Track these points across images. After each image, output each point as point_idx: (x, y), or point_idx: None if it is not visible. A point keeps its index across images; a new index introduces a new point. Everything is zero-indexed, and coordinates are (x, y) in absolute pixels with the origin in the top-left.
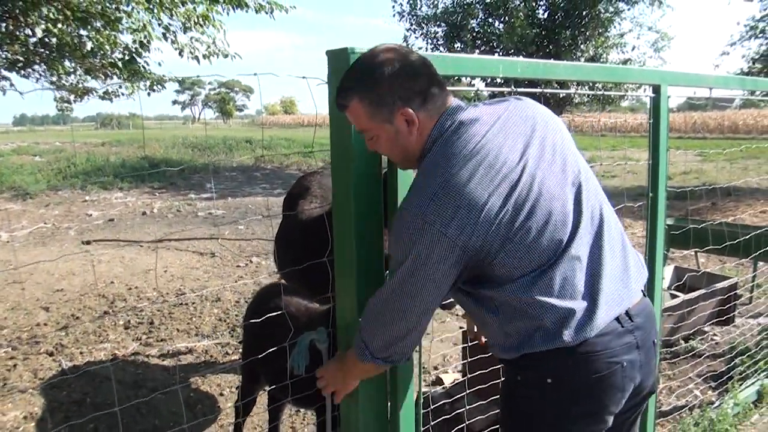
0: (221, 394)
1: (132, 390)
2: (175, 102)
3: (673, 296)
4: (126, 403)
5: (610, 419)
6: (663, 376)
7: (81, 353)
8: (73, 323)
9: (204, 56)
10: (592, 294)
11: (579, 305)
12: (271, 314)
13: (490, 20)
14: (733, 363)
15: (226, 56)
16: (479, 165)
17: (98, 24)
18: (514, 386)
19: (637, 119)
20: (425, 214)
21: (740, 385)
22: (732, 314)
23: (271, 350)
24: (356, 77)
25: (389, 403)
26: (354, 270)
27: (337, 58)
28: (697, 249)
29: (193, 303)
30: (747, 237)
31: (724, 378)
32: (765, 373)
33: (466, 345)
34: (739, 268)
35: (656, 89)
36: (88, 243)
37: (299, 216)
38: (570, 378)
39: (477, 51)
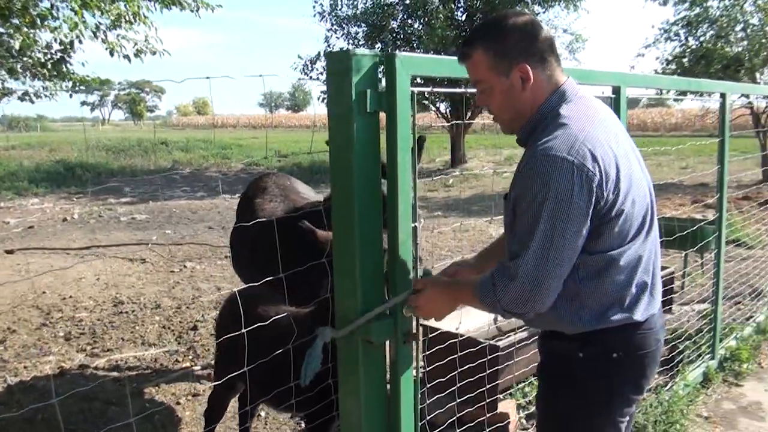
0: (178, 403)
1: (85, 403)
2: (84, 103)
3: None
4: (79, 417)
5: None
6: None
7: (25, 368)
8: (10, 337)
9: (135, 54)
10: (654, 273)
11: (650, 282)
12: (259, 321)
13: (410, 21)
14: (677, 349)
15: (154, 53)
16: (608, 130)
17: (17, 21)
18: (574, 364)
19: None
20: (569, 153)
21: (688, 368)
22: (670, 303)
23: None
24: (485, 29)
25: (389, 400)
26: (356, 269)
27: (337, 60)
28: None
29: (133, 311)
30: (687, 230)
31: (673, 362)
32: (709, 356)
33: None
34: (666, 258)
35: (616, 90)
36: (11, 252)
37: (262, 217)
38: (633, 353)
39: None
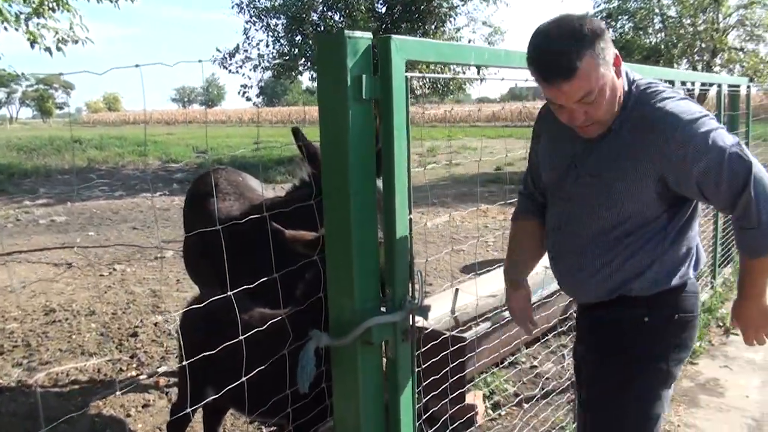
0: (128, 416)
1: (29, 422)
2: None
3: None
4: None
5: None
6: (567, 348)
7: None
8: None
9: (57, 46)
10: None
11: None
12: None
13: (330, 14)
14: None
15: (76, 42)
16: None
17: None
18: (637, 330)
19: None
20: (699, 111)
21: None
22: None
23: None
24: (574, 37)
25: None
26: (353, 267)
27: (330, 42)
28: None
29: (67, 319)
30: None
31: None
32: None
33: None
34: None
35: None
36: None
37: (218, 217)
38: (690, 313)
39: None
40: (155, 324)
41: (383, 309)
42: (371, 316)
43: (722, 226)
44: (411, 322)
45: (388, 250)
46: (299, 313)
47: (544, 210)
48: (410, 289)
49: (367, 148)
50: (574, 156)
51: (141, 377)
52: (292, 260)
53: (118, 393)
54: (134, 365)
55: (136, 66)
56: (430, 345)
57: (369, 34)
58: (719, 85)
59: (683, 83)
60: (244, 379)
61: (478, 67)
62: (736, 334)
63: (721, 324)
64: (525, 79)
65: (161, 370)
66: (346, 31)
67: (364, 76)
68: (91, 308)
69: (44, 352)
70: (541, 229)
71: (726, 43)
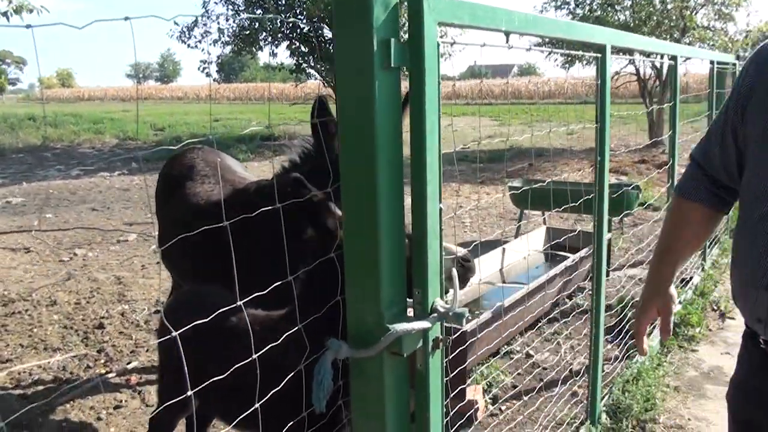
0: (99, 419)
1: None
2: None
3: (555, 256)
4: None
5: None
6: (560, 336)
7: None
8: None
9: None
10: None
11: None
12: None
13: None
14: (626, 317)
15: (31, 11)
16: None
17: None
18: None
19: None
20: None
21: (648, 335)
22: (607, 269)
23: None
24: None
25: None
26: (380, 264)
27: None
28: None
29: (27, 310)
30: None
31: (618, 330)
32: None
33: None
34: (582, 223)
35: (601, 49)
36: None
37: (198, 202)
38: None
39: (280, 17)
40: (122, 314)
41: (410, 313)
42: (398, 322)
43: None
44: (442, 329)
45: (417, 245)
46: (312, 318)
47: (719, 200)
48: (439, 290)
49: (395, 125)
50: None
51: (110, 375)
52: (295, 252)
53: (87, 394)
54: (102, 361)
55: (126, 19)
56: None
57: None
58: (711, 62)
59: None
60: (179, 381)
61: (507, 34)
62: (733, 318)
63: (715, 308)
64: (528, 48)
65: (132, 366)
66: None
67: (392, 40)
68: (53, 298)
69: (4, 348)
70: (708, 220)
71: (695, 22)
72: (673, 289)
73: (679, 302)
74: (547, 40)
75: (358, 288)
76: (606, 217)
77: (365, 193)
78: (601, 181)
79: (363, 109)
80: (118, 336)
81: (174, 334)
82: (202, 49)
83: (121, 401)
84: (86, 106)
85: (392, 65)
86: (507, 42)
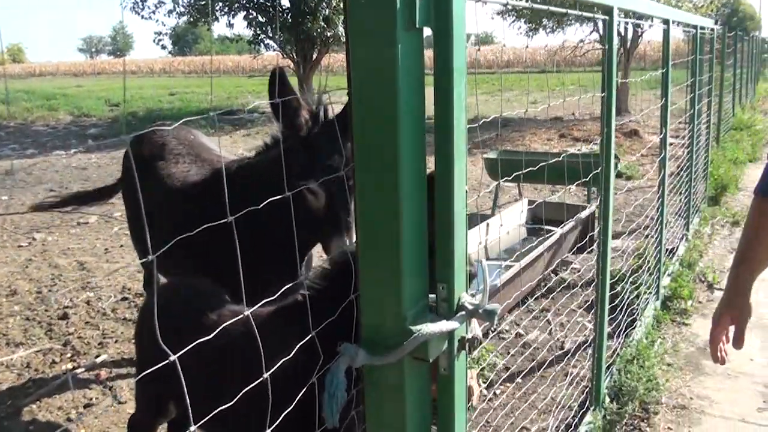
0: (69, 419)
1: None
2: None
3: (540, 230)
4: None
5: None
6: (548, 312)
7: None
8: None
9: None
10: None
11: None
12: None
13: None
14: (614, 290)
15: None
16: None
17: None
18: None
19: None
20: None
21: (643, 312)
22: (591, 243)
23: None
24: None
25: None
26: (401, 258)
27: None
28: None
29: None
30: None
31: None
32: (654, 296)
33: None
34: (556, 194)
35: (608, 11)
36: None
37: (174, 184)
38: None
39: None
40: (87, 302)
41: (432, 312)
42: (422, 322)
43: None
44: (467, 327)
45: (443, 232)
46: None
47: None
48: (465, 283)
49: (418, 94)
50: None
51: (78, 370)
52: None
53: (54, 392)
54: (69, 355)
55: None
56: None
57: None
58: (695, 27)
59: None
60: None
61: None
62: (721, 290)
63: (702, 279)
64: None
65: (101, 359)
66: None
67: None
68: (12, 287)
69: None
70: None
71: None
72: (750, 302)
73: (668, 275)
74: None
75: (375, 283)
76: (612, 188)
77: (385, 172)
78: (608, 150)
79: (384, 76)
80: (83, 327)
81: (172, 357)
82: (156, 20)
83: (91, 399)
84: (38, 81)
85: (416, 26)
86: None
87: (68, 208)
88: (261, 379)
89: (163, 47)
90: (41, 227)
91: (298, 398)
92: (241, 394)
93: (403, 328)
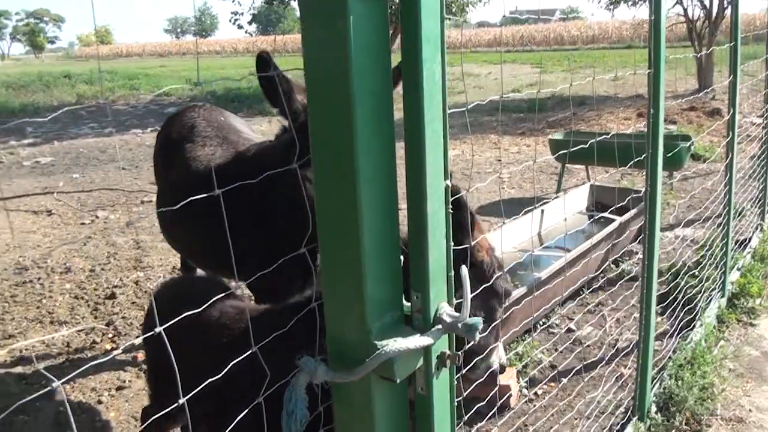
0: (100, 402)
1: None
2: None
3: (603, 218)
4: None
5: None
6: (605, 306)
7: None
8: None
9: None
10: None
11: None
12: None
13: None
14: (679, 286)
15: None
16: None
17: None
18: None
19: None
20: None
21: (704, 312)
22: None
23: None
24: None
25: None
26: (362, 262)
27: None
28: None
29: (39, 278)
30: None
31: (675, 303)
32: (719, 293)
33: None
34: (628, 177)
35: None
36: None
37: (198, 168)
38: None
39: None
40: (136, 282)
41: (408, 323)
42: (391, 336)
43: None
44: (451, 341)
45: (415, 235)
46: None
47: None
48: (446, 293)
49: (382, 74)
50: None
51: (117, 352)
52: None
53: (90, 372)
54: (110, 335)
55: None
56: None
57: None
58: None
59: None
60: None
61: None
62: None
63: None
64: None
65: (139, 341)
66: None
67: None
68: (67, 264)
69: (9, 322)
70: None
71: None
72: None
73: (738, 269)
74: None
75: (336, 290)
76: (660, 175)
77: (337, 165)
78: (655, 135)
79: (333, 58)
80: (129, 307)
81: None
82: (234, 1)
83: (124, 381)
84: (125, 62)
85: None
86: None
87: (135, 187)
88: (217, 377)
89: (240, 27)
90: (106, 205)
91: (251, 407)
92: (207, 383)
93: (367, 342)
